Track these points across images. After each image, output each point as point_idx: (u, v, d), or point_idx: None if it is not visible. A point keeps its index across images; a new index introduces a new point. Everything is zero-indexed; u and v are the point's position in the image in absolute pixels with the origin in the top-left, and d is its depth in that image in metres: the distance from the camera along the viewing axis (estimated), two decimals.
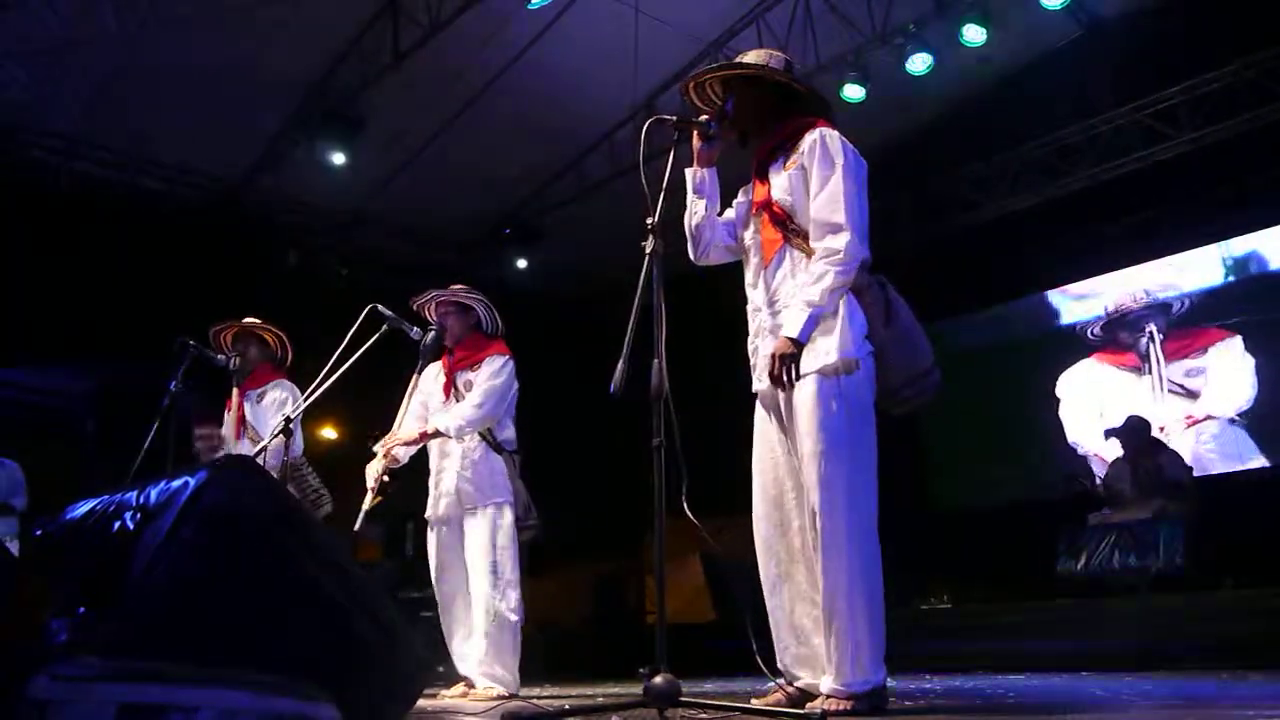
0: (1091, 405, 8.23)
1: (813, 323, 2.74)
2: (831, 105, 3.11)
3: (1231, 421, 7.50)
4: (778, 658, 2.90)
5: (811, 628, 2.85)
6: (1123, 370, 8.16)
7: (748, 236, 3.04)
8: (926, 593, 7.33)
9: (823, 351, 2.77)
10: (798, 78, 3.06)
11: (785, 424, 2.90)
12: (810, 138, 2.90)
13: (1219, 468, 7.49)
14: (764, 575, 2.93)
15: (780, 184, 2.93)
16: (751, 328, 3.02)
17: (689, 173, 3.00)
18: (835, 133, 2.92)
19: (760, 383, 2.97)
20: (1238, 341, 7.56)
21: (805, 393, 2.77)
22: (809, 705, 2.68)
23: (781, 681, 2.87)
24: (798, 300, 2.78)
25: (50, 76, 6.84)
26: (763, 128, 3.04)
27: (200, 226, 8.19)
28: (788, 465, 2.91)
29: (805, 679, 2.84)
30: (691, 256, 3.11)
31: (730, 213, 3.13)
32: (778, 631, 2.90)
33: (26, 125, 7.32)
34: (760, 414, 3.02)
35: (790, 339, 2.72)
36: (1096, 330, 8.33)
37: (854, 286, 2.83)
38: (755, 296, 3.00)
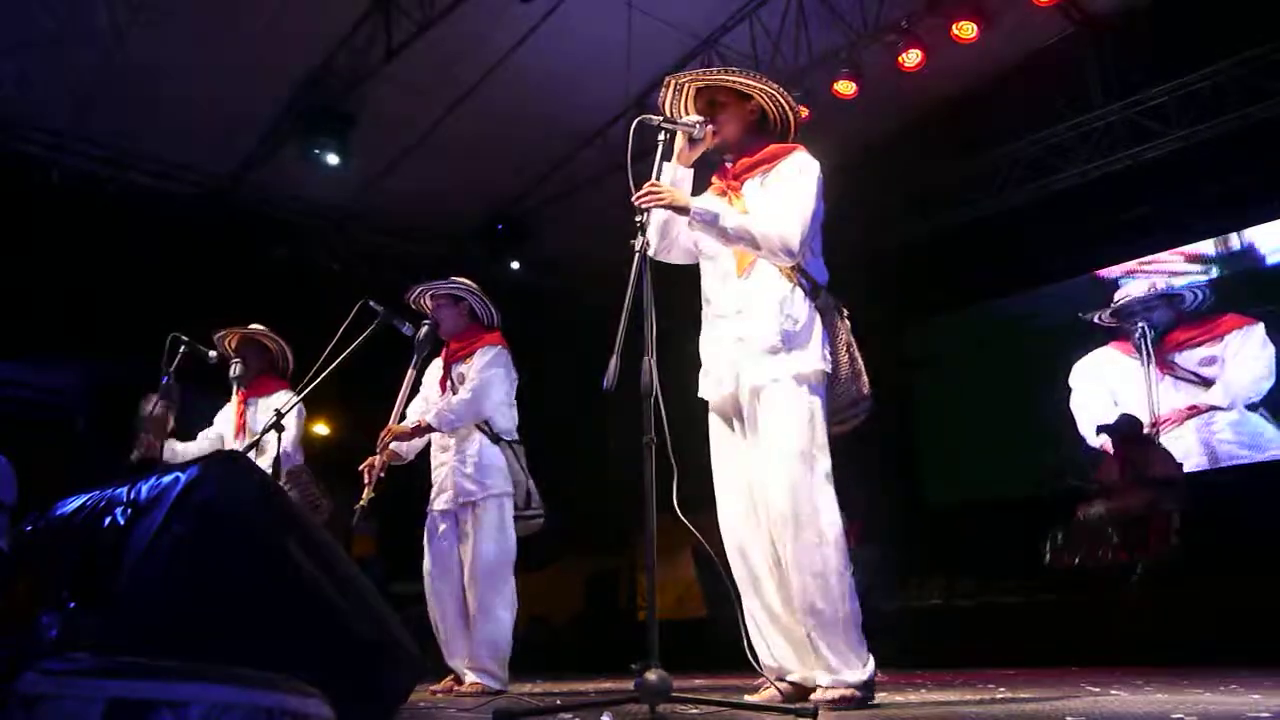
0: (1100, 396, 8.20)
1: (709, 218, 2.86)
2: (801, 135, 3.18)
3: (1242, 411, 7.45)
4: (764, 655, 2.93)
5: (795, 624, 2.88)
6: (1128, 358, 8.12)
7: (715, 244, 3.04)
8: (917, 588, 7.35)
9: (799, 360, 2.87)
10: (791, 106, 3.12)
11: (747, 428, 2.96)
12: (791, 161, 3.00)
13: (1228, 459, 7.46)
14: (740, 577, 2.98)
15: (759, 202, 2.99)
16: (710, 333, 3.07)
17: (667, 168, 3.02)
18: (815, 161, 3.01)
19: (721, 385, 3.00)
20: (1257, 329, 7.43)
21: (781, 396, 2.85)
22: (812, 696, 2.73)
23: (773, 677, 2.89)
24: (733, 211, 2.93)
25: (42, 72, 6.81)
26: (742, 142, 3.10)
27: (192, 222, 8.17)
28: (749, 469, 2.96)
29: (796, 675, 2.87)
30: (651, 251, 3.01)
31: None
32: (761, 630, 2.93)
33: (17, 120, 7.30)
34: (716, 422, 3.08)
35: (687, 206, 2.86)
36: (1104, 316, 8.30)
37: (819, 307, 2.96)
38: (721, 304, 3.03)
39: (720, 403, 3.04)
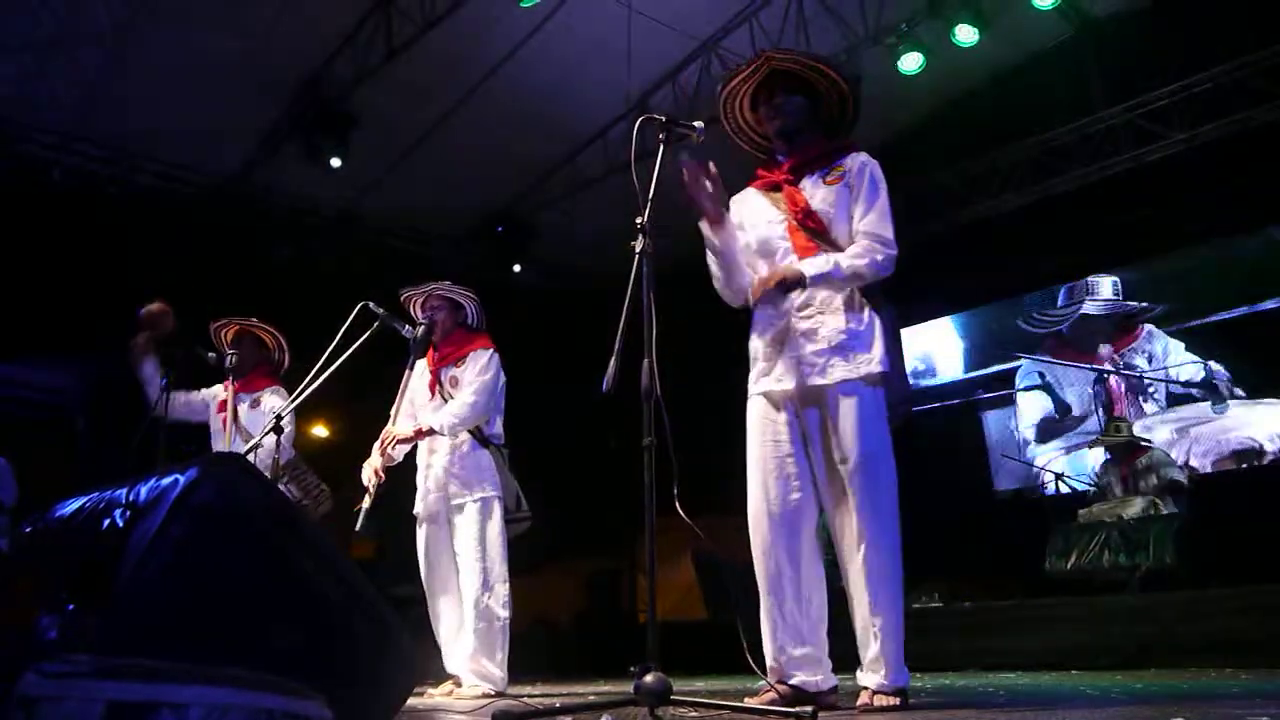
0: (1073, 402, 8.25)
1: (824, 280, 2.87)
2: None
3: (1218, 419, 7.52)
4: (771, 657, 2.91)
5: (809, 628, 2.89)
6: (1103, 369, 8.17)
7: (773, 238, 3.03)
8: (918, 591, 7.34)
9: (866, 361, 2.88)
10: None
11: (806, 427, 2.93)
12: (858, 160, 3.03)
13: (1209, 466, 7.52)
14: (762, 575, 2.94)
15: (823, 196, 2.99)
16: (769, 331, 3.02)
17: (706, 232, 3.02)
18: (875, 161, 3.05)
19: (780, 383, 2.96)
20: (1216, 341, 7.59)
21: (854, 399, 2.85)
22: (861, 699, 2.79)
23: (773, 680, 2.88)
24: (829, 255, 2.90)
25: (43, 71, 6.81)
26: (800, 135, 3.09)
27: (192, 222, 8.15)
28: (798, 466, 2.93)
29: (800, 678, 2.86)
30: (729, 300, 3.11)
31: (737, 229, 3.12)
32: (774, 631, 2.91)
33: (18, 120, 7.29)
34: (764, 413, 3.01)
35: (802, 275, 2.85)
36: (1080, 327, 8.33)
37: (876, 307, 2.97)
38: (781, 300, 2.98)
39: (776, 396, 2.99)
